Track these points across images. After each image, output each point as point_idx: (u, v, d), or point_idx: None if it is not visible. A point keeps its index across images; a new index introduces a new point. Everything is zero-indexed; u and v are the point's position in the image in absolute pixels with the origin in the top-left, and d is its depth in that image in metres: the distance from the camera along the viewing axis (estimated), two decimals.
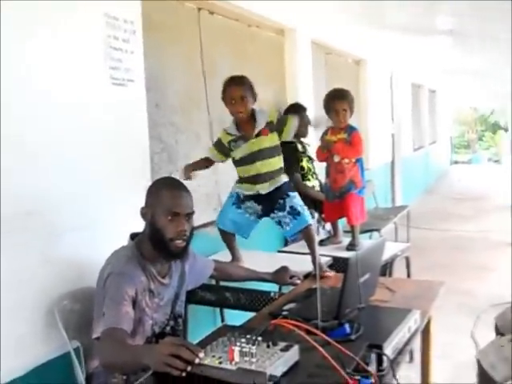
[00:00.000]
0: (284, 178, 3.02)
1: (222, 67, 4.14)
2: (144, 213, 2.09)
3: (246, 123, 2.94)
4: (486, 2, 5.28)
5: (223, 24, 4.22)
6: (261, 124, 2.91)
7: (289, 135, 3.02)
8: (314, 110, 4.78)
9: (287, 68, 5.17)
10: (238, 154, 2.96)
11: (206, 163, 3.10)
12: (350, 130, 3.51)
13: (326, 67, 6.32)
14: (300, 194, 3.15)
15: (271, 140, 2.94)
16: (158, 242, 2.05)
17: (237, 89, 2.88)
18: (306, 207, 3.01)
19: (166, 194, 2.06)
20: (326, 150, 3.54)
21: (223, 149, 3.01)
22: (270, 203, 2.99)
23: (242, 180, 3.03)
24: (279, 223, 2.99)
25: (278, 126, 2.95)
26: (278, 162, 2.99)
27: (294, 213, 2.93)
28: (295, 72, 5.16)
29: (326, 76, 6.20)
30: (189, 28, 3.80)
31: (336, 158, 3.48)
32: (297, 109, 4.38)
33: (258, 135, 2.92)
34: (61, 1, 2.42)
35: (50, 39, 2.39)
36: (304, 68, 5.30)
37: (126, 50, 2.81)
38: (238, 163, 3.00)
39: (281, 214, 2.96)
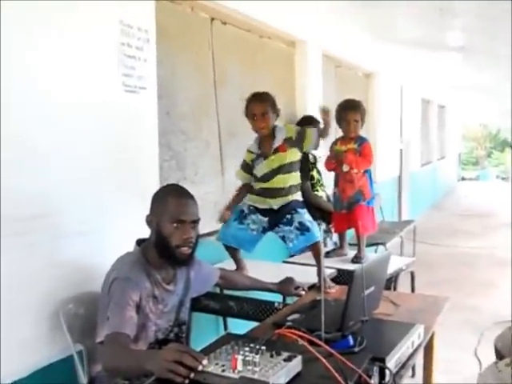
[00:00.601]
0: (298, 196, 3.04)
1: (233, 76, 4.17)
2: (149, 220, 2.10)
3: (266, 140, 2.98)
4: (496, 20, 5.31)
5: (235, 34, 4.25)
6: (278, 140, 2.95)
7: (310, 148, 3.06)
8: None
9: (297, 79, 5.20)
10: (259, 171, 3.01)
11: (243, 190, 3.14)
12: (361, 140, 3.53)
13: (335, 80, 6.34)
14: (309, 204, 3.16)
15: (290, 156, 2.98)
16: (164, 249, 2.06)
17: (259, 105, 2.92)
18: (314, 222, 3.01)
19: (171, 202, 2.07)
20: (335, 160, 3.55)
21: (249, 169, 3.07)
22: (276, 217, 3.00)
23: (256, 192, 3.06)
24: (283, 238, 3.00)
25: (298, 141, 2.97)
26: (293, 178, 3.02)
27: (303, 228, 2.92)
28: (305, 83, 5.18)
29: (335, 88, 6.21)
30: (201, 37, 3.84)
31: (345, 168, 3.49)
32: (310, 121, 4.42)
33: (275, 152, 2.95)
34: (76, 8, 2.45)
35: (65, 46, 2.41)
36: (314, 80, 5.32)
37: (140, 57, 2.84)
38: (258, 180, 3.05)
39: (286, 228, 2.96)
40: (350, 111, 3.51)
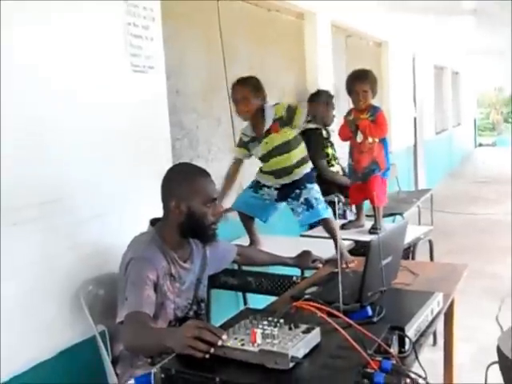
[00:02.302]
0: (305, 169, 3.02)
1: (242, 52, 4.14)
2: (175, 206, 2.06)
3: (258, 123, 2.96)
4: None
5: (242, 9, 4.20)
6: (268, 122, 2.92)
7: (299, 125, 3.02)
8: (335, 94, 4.75)
9: (307, 52, 5.14)
10: (257, 154, 3.03)
11: (235, 168, 3.13)
12: (374, 110, 3.48)
13: (346, 50, 6.26)
14: (326, 180, 3.16)
15: (284, 135, 2.94)
16: (199, 229, 2.10)
17: (239, 89, 2.91)
18: (321, 198, 3.00)
19: (201, 183, 2.09)
20: (349, 130, 3.52)
21: (246, 146, 3.06)
22: (286, 191, 3.02)
23: (263, 171, 3.09)
24: (292, 210, 3.02)
25: (288, 119, 2.92)
26: (296, 154, 2.99)
27: (308, 205, 2.94)
28: (316, 56, 5.13)
29: (346, 59, 6.14)
30: (208, 14, 3.79)
31: (359, 138, 3.45)
32: (323, 96, 4.39)
33: (268, 133, 2.93)
34: None
35: (71, 27, 2.40)
36: (324, 51, 5.26)
37: (146, 36, 2.82)
38: (260, 160, 3.08)
39: (294, 202, 2.99)
40: (358, 82, 3.46)
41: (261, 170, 3.11)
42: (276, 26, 4.70)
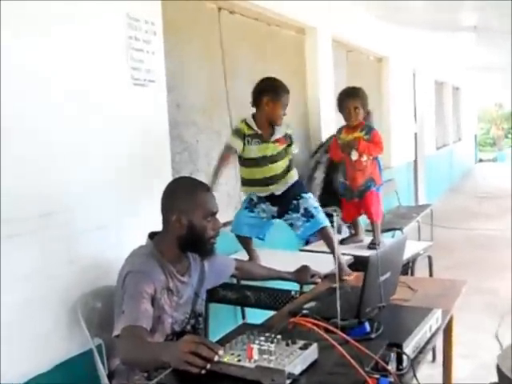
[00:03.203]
0: (295, 177, 3.06)
1: (243, 67, 4.15)
2: (176, 219, 2.06)
3: (266, 126, 2.99)
4: None
5: (243, 23, 4.23)
6: (280, 132, 2.99)
7: (292, 151, 3.11)
8: (335, 109, 4.76)
9: (308, 66, 5.16)
10: (253, 152, 2.99)
11: (227, 157, 3.05)
12: (369, 128, 3.51)
13: (347, 65, 6.28)
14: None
15: (283, 148, 3.03)
16: (198, 242, 2.10)
17: (289, 98, 2.98)
18: (319, 208, 3.01)
19: (201, 197, 2.11)
20: (343, 149, 3.54)
21: (242, 137, 2.99)
22: (284, 204, 3.01)
23: (250, 183, 3.08)
24: (291, 225, 3.02)
25: (289, 140, 3.06)
26: (284, 163, 3.05)
27: (308, 215, 2.95)
28: (316, 70, 5.15)
29: (347, 74, 6.16)
30: (209, 28, 3.82)
31: (354, 156, 3.47)
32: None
33: (274, 142, 2.98)
34: (83, 2, 2.45)
35: (73, 40, 2.42)
36: (325, 66, 5.28)
37: (147, 50, 2.84)
38: (249, 163, 3.03)
39: (294, 215, 3.00)
40: (348, 99, 3.52)
41: (247, 184, 3.10)
42: (277, 40, 4.72)
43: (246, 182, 3.11)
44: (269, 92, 2.96)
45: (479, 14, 6.54)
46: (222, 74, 3.90)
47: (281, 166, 3.03)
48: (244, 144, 2.98)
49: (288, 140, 3.03)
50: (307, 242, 3.70)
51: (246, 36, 4.26)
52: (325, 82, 5.26)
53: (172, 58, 3.21)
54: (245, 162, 3.04)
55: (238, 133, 3.02)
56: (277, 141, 2.99)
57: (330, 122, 5.05)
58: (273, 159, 2.99)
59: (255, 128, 2.98)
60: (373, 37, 6.68)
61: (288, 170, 3.06)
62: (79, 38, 2.45)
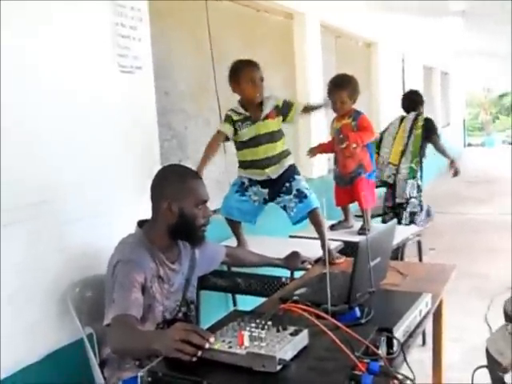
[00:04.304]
0: (290, 161, 3.03)
1: (231, 53, 4.11)
2: (167, 207, 2.05)
3: (253, 107, 2.95)
4: None
5: (231, 9, 4.20)
6: (268, 107, 2.95)
7: (293, 120, 3.08)
8: (324, 95, 4.75)
9: (296, 52, 5.14)
10: (246, 135, 2.96)
11: (216, 143, 3.02)
12: (356, 114, 3.50)
13: (336, 51, 6.27)
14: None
15: (277, 123, 2.99)
16: (189, 230, 2.10)
17: (256, 71, 2.92)
18: (310, 189, 3.00)
19: (192, 185, 2.10)
20: (335, 138, 3.54)
21: (233, 124, 2.97)
22: (276, 187, 2.99)
23: (247, 165, 3.03)
24: (284, 208, 3.00)
25: (283, 111, 3.00)
26: (282, 144, 3.02)
27: (301, 196, 2.93)
28: (305, 56, 5.13)
29: (336, 60, 6.15)
30: (196, 14, 3.79)
31: (342, 144, 3.46)
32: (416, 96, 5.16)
33: (265, 118, 2.95)
34: None
35: (58, 27, 2.39)
36: (313, 52, 5.26)
37: (134, 37, 2.81)
38: (243, 145, 3.00)
39: (286, 197, 2.97)
40: (335, 89, 3.51)
41: (244, 166, 3.06)
42: (265, 26, 4.70)
43: (242, 165, 3.07)
44: (233, 74, 2.95)
45: None
46: (210, 61, 3.87)
47: (278, 146, 2.99)
48: (236, 130, 2.96)
49: (279, 111, 2.98)
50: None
51: (233, 22, 4.23)
52: (313, 67, 5.24)
53: (159, 44, 3.18)
54: (239, 144, 3.02)
55: (227, 119, 3.00)
56: (267, 117, 2.95)
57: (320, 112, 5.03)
58: (268, 138, 2.95)
59: (242, 111, 2.96)
60: (361, 22, 6.65)
61: (286, 153, 3.03)
62: (64, 25, 2.42)
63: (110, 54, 2.67)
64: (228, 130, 2.98)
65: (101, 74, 2.62)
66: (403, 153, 4.83)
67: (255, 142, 2.96)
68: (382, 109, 7.53)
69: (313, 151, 3.78)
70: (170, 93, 3.46)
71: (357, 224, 3.66)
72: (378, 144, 4.93)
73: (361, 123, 3.46)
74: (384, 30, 7.66)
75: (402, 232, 3.45)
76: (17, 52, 2.20)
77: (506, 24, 7.63)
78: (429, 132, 4.95)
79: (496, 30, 8.42)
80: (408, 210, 4.71)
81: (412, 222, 4.68)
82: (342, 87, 3.49)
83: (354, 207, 3.82)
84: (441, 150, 5.27)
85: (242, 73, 2.92)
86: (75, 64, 2.47)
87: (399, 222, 4.48)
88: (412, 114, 4.96)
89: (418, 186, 4.88)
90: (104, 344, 2.14)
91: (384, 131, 5.08)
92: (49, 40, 2.35)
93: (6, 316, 2.14)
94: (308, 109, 3.15)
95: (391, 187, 4.78)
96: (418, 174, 4.93)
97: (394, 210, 4.75)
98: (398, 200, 4.75)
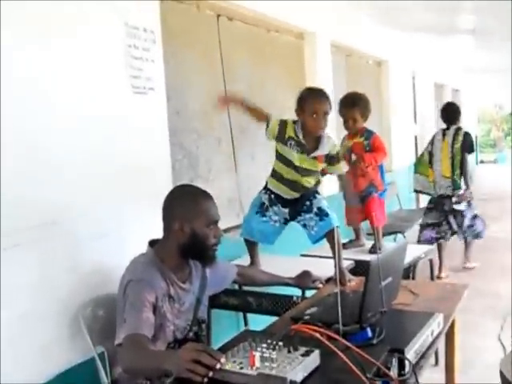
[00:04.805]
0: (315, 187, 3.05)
1: (242, 73, 4.17)
2: (179, 228, 2.07)
3: (311, 137, 2.89)
4: (507, 1, 5.22)
5: (242, 30, 4.24)
6: (323, 151, 2.90)
7: (332, 173, 3.12)
8: (335, 113, 4.77)
9: (307, 71, 5.16)
10: (289, 155, 2.92)
11: (261, 116, 2.99)
12: (368, 133, 3.51)
13: (346, 69, 6.30)
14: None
15: (320, 166, 2.96)
16: (200, 250, 2.12)
17: (323, 103, 2.85)
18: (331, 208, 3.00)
19: (204, 206, 2.11)
20: (348, 156, 3.54)
21: (281, 131, 2.91)
22: (297, 206, 3.00)
23: (279, 178, 3.00)
24: (304, 226, 2.99)
25: (330, 161, 2.95)
26: (316, 178, 3.03)
27: (322, 214, 2.92)
28: (315, 75, 5.15)
29: (346, 78, 6.18)
30: (208, 35, 3.83)
31: (358, 165, 3.46)
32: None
33: (314, 157, 2.91)
34: (82, 11, 2.46)
35: (72, 49, 2.43)
36: (324, 71, 5.29)
37: (147, 58, 2.85)
38: (282, 159, 2.97)
39: (307, 216, 2.97)
40: (347, 108, 3.52)
41: (275, 176, 3.02)
42: (275, 45, 4.74)
43: (274, 175, 3.04)
44: (300, 101, 2.89)
45: (478, 16, 6.55)
46: (222, 80, 3.91)
47: (311, 180, 2.99)
48: (284, 144, 2.91)
49: (328, 160, 2.94)
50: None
51: (244, 42, 4.28)
52: (324, 86, 5.24)
53: (171, 65, 3.23)
54: (280, 156, 2.98)
55: (281, 124, 2.92)
56: (316, 157, 2.90)
57: (329, 127, 5.04)
58: (307, 173, 2.94)
59: (300, 137, 2.88)
60: (372, 41, 6.68)
61: (318, 183, 3.04)
62: (78, 48, 2.46)
63: (124, 75, 2.70)
64: (271, 131, 2.92)
65: (114, 94, 2.66)
66: (452, 165, 5.55)
67: (293, 166, 2.94)
68: (393, 127, 7.53)
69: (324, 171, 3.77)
70: (181, 112, 3.50)
71: (368, 243, 3.66)
72: (430, 159, 5.73)
73: (374, 143, 3.46)
74: (394, 48, 7.69)
75: (413, 251, 3.43)
76: (28, 74, 2.23)
77: None
78: (465, 149, 5.57)
79: (506, 47, 8.43)
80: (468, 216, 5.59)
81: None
82: (353, 105, 3.49)
83: (365, 225, 3.82)
84: (464, 171, 5.67)
85: (306, 102, 2.85)
86: (88, 85, 2.50)
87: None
88: (452, 129, 5.64)
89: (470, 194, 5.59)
90: (115, 363, 2.15)
91: (431, 145, 5.80)
92: (62, 61, 2.38)
93: (17, 336, 2.15)
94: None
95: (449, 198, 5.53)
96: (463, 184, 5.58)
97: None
98: (455, 207, 5.55)
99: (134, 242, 2.34)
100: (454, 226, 5.62)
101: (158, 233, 2.16)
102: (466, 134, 5.55)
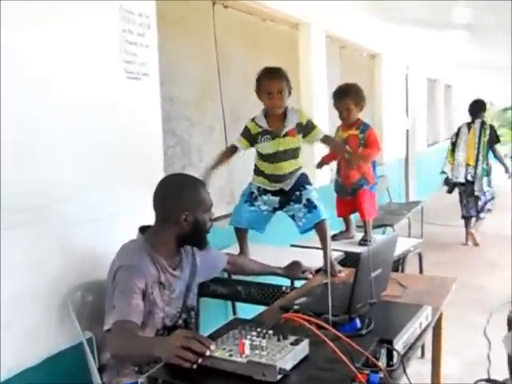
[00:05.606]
0: (300, 171, 3.02)
1: (236, 61, 4.15)
2: (185, 218, 2.08)
3: (276, 118, 2.90)
4: None
5: (238, 18, 4.22)
6: (291, 123, 2.89)
7: (310, 143, 3.07)
8: (329, 105, 4.77)
9: (301, 62, 5.15)
10: (264, 149, 2.94)
11: (228, 154, 3.05)
12: (364, 126, 3.51)
13: (340, 61, 6.29)
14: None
15: (297, 141, 2.94)
16: (199, 236, 2.16)
17: (276, 82, 2.84)
18: (320, 200, 2.99)
19: (202, 194, 2.15)
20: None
21: (249, 138, 2.96)
22: (287, 195, 2.99)
23: (262, 174, 3.01)
24: (292, 217, 2.99)
25: (304, 131, 2.93)
26: (299, 162, 3.00)
27: (311, 206, 2.92)
28: (309, 66, 5.14)
29: (340, 70, 6.17)
30: (203, 22, 3.81)
31: (347, 155, 3.46)
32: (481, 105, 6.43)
33: (285, 135, 2.89)
34: None
35: (66, 33, 2.40)
36: (318, 62, 5.28)
37: (141, 43, 2.82)
38: (261, 157, 2.99)
39: (296, 206, 2.96)
40: (341, 98, 3.50)
41: (259, 174, 3.03)
42: (270, 35, 4.72)
43: (257, 172, 3.05)
44: (256, 82, 2.90)
45: (473, 11, 6.55)
46: (216, 69, 3.89)
47: (295, 163, 2.97)
48: (256, 142, 2.94)
49: (301, 129, 2.91)
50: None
51: (239, 30, 4.25)
52: (318, 77, 5.25)
53: (166, 51, 3.19)
54: (259, 154, 3.00)
55: (245, 133, 2.98)
56: (287, 134, 2.89)
57: (323, 118, 5.06)
58: (286, 156, 2.92)
59: (264, 125, 2.91)
60: (366, 33, 6.67)
61: (299, 168, 3.00)
62: (72, 31, 2.43)
63: (118, 60, 2.68)
64: (243, 146, 2.98)
65: (108, 79, 2.63)
66: (478, 156, 6.53)
67: (273, 158, 2.93)
68: (384, 120, 7.54)
69: (320, 165, 3.76)
70: (174, 99, 3.48)
71: (358, 235, 3.67)
72: (452, 148, 6.76)
73: (369, 137, 3.46)
74: (389, 42, 7.68)
75: (402, 244, 3.45)
76: (22, 56, 2.21)
77: (510, 37, 7.66)
78: (492, 141, 6.61)
79: (500, 43, 8.44)
80: (483, 199, 6.61)
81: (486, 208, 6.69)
82: (346, 95, 3.48)
83: (354, 217, 3.83)
84: (498, 157, 6.81)
85: (261, 84, 2.87)
86: (82, 69, 2.48)
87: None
88: (478, 122, 6.62)
89: (490, 182, 6.66)
90: (103, 349, 2.15)
91: (456, 137, 6.78)
92: (55, 45, 2.35)
93: (6, 318, 2.14)
94: (325, 141, 3.07)
95: (466, 184, 6.62)
96: (491, 172, 6.67)
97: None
98: (476, 193, 6.57)
99: (124, 228, 2.33)
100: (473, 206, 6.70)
101: (150, 219, 2.15)
102: (492, 128, 6.69)
